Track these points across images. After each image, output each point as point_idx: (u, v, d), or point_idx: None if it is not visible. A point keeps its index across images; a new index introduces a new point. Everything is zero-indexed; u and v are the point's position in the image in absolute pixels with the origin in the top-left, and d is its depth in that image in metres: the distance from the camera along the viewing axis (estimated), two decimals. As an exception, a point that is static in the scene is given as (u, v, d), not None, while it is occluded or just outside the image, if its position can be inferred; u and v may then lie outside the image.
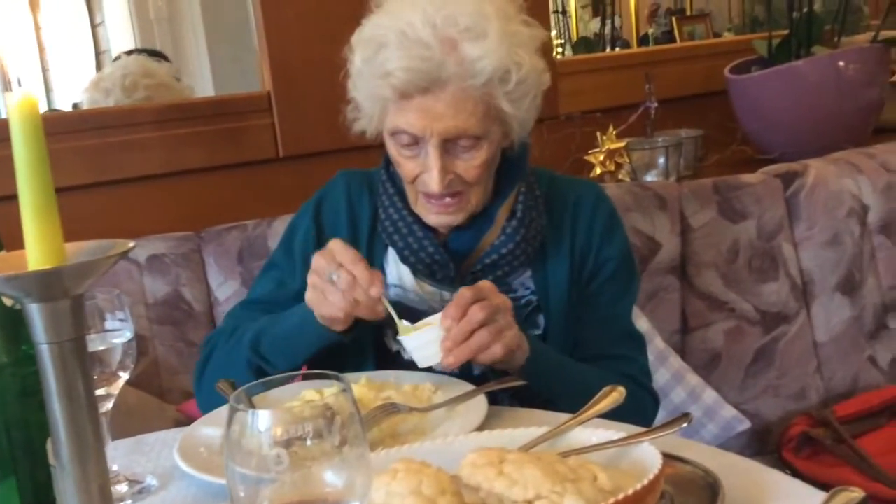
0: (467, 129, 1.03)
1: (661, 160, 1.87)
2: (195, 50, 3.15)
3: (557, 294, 1.15)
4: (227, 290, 1.55)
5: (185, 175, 1.70)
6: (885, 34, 2.02)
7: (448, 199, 1.08)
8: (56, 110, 3.12)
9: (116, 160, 1.64)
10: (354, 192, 1.21)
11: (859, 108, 1.93)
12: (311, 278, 1.02)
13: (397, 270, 1.17)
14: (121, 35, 3.58)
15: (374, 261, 1.18)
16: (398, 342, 1.04)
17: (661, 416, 1.31)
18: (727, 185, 1.62)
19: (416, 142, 1.05)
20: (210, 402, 1.06)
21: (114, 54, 3.72)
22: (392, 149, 1.09)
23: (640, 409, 1.15)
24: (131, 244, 0.59)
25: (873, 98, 1.96)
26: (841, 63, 1.91)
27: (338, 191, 1.22)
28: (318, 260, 1.01)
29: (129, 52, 2.73)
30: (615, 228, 1.19)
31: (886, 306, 1.64)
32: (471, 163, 1.06)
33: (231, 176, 1.74)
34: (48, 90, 4.79)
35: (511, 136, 1.10)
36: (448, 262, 1.12)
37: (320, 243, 1.17)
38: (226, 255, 1.56)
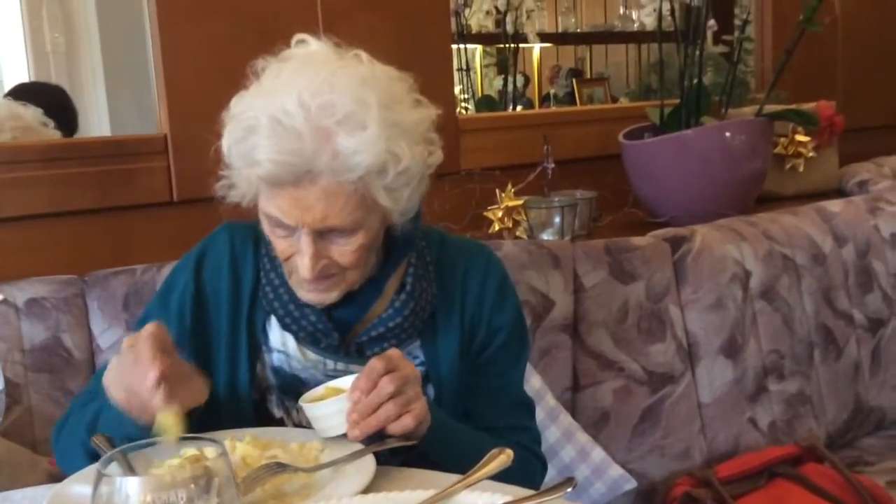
0: (339, 223, 0.99)
1: (557, 219, 1.91)
2: (92, 85, 3.07)
3: (448, 365, 1.13)
4: (110, 338, 1.48)
5: (72, 216, 1.64)
6: (768, 108, 2.13)
7: (321, 280, 1.04)
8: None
9: (-1, 197, 1.57)
10: (238, 248, 1.16)
11: (744, 178, 2.03)
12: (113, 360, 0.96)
13: (281, 335, 1.13)
14: (14, 66, 3.46)
15: (257, 323, 1.14)
16: (288, 409, 1.02)
17: (551, 475, 1.33)
18: (618, 246, 1.67)
19: (287, 226, 1.01)
20: (67, 464, 1.00)
21: (6, 86, 3.60)
22: (265, 227, 1.05)
23: (529, 474, 1.15)
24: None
25: (757, 168, 2.06)
26: (727, 134, 2.01)
27: (221, 246, 1.16)
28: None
29: (13, 90, 2.65)
30: (506, 296, 1.17)
31: (766, 369, 1.71)
32: (345, 248, 1.02)
33: (122, 219, 1.69)
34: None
35: (394, 223, 1.06)
36: (331, 331, 1.09)
37: (199, 303, 1.14)
38: (111, 301, 1.50)
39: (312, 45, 1.04)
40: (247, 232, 1.16)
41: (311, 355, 1.12)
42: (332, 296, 1.06)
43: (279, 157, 0.95)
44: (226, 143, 1.03)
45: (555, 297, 1.60)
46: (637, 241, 1.69)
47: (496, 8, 2.49)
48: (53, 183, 1.62)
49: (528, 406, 1.21)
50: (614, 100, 4.89)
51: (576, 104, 4.82)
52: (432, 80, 2.02)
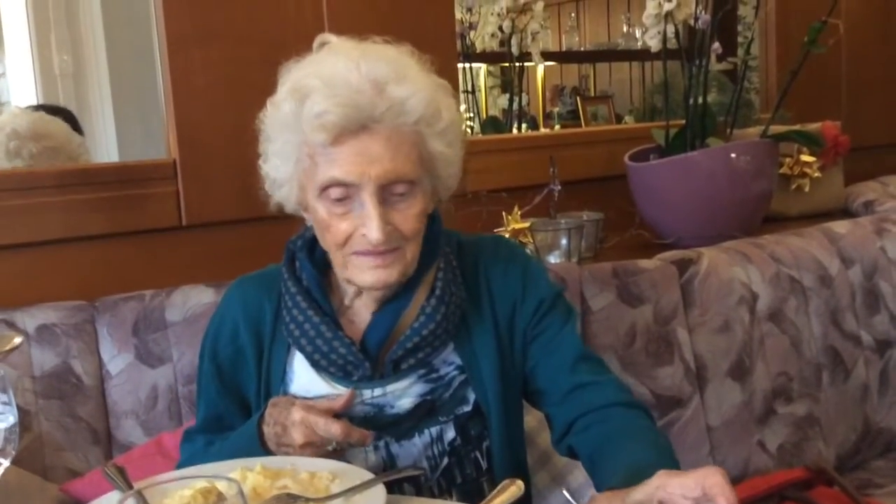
0: (404, 173, 1.01)
1: (564, 241, 1.91)
2: (100, 108, 3.09)
3: (488, 364, 1.12)
4: (119, 363, 1.49)
5: (84, 241, 1.65)
6: (774, 129, 2.14)
7: (386, 253, 1.03)
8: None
9: (11, 224, 1.57)
10: (252, 303, 1.17)
11: (750, 199, 2.03)
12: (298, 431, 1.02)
13: (308, 375, 1.13)
14: (23, 88, 3.48)
15: (275, 363, 1.14)
16: None
17: (560, 500, 1.32)
18: (625, 269, 1.67)
19: (348, 196, 1.01)
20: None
21: (14, 107, 3.62)
22: (321, 211, 1.04)
23: (647, 427, 1.08)
24: (18, 341, 0.57)
25: (763, 189, 2.06)
26: (733, 155, 2.01)
27: (233, 308, 1.18)
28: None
29: (34, 107, 2.66)
30: (533, 274, 1.16)
31: (775, 392, 1.71)
32: (407, 213, 1.03)
33: (132, 244, 1.70)
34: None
35: (438, 193, 1.09)
36: (362, 361, 1.08)
37: (221, 376, 1.18)
38: (120, 327, 1.51)
39: (333, 40, 1.09)
40: (258, 283, 1.18)
41: (342, 388, 1.11)
42: (394, 273, 1.04)
43: (341, 107, 0.98)
44: (275, 122, 1.05)
45: (562, 320, 1.60)
46: (644, 263, 1.70)
47: (501, 30, 2.50)
48: (65, 209, 1.63)
49: (593, 358, 1.15)
50: (618, 117, 4.91)
51: (580, 121, 4.85)
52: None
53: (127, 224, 1.70)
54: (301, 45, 1.84)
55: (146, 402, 1.47)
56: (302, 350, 1.11)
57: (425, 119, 1.01)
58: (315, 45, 1.09)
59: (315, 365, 1.11)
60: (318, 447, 1.02)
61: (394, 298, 1.10)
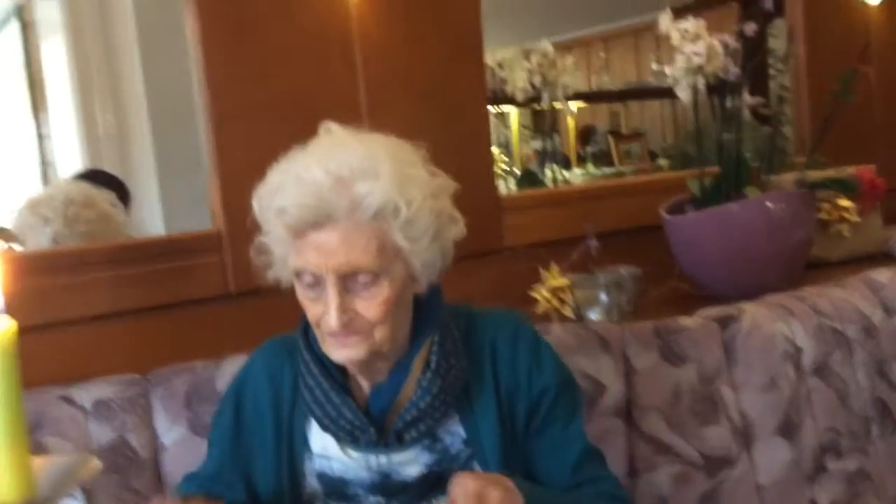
0: (361, 265, 1.05)
1: (603, 297, 1.92)
2: (143, 169, 3.17)
3: (489, 437, 1.15)
4: (173, 436, 1.52)
5: (134, 314, 1.69)
6: (810, 174, 2.14)
7: (349, 335, 1.08)
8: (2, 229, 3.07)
9: (64, 301, 1.63)
10: (275, 363, 1.23)
11: (789, 248, 2.03)
12: None
13: (321, 439, 1.17)
14: (68, 149, 3.58)
15: (297, 430, 1.18)
16: None
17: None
18: (667, 328, 1.67)
19: (317, 282, 1.07)
20: None
21: (59, 168, 3.72)
22: (298, 292, 1.11)
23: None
24: (95, 463, 0.60)
25: (802, 237, 2.06)
26: (769, 204, 2.01)
27: (258, 369, 1.24)
28: None
29: (80, 175, 2.73)
30: (541, 356, 1.19)
31: (824, 448, 1.69)
32: (370, 301, 1.07)
33: (181, 314, 1.74)
34: (-12, 199, 4.74)
35: (418, 278, 1.12)
36: (368, 426, 1.13)
37: (239, 433, 1.22)
38: (173, 399, 1.54)
39: (334, 128, 1.15)
40: (281, 346, 1.24)
41: (353, 454, 1.15)
42: (359, 351, 1.09)
43: (302, 201, 1.04)
44: (256, 208, 1.13)
45: (606, 381, 1.61)
46: (685, 321, 1.70)
47: (532, 85, 2.54)
48: (116, 283, 1.68)
49: (597, 454, 1.21)
50: (652, 155, 4.92)
51: (612, 161, 4.87)
52: (471, 162, 2.10)
53: (175, 295, 1.74)
54: (339, 119, 1.90)
55: (200, 474, 1.50)
56: (313, 414, 1.15)
57: (383, 214, 1.05)
58: (321, 130, 1.15)
59: (325, 429, 1.15)
60: None
61: (393, 370, 1.14)
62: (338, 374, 1.16)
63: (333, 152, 1.08)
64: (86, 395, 1.51)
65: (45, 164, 3.89)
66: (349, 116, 1.87)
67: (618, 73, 5.58)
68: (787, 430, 1.66)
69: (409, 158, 1.11)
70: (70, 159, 3.50)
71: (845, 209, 2.27)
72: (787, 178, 2.24)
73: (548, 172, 3.04)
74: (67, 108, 3.45)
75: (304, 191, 1.05)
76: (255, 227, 1.16)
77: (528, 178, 2.83)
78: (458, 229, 1.14)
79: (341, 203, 1.04)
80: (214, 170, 1.80)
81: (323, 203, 1.04)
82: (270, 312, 1.83)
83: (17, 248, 1.97)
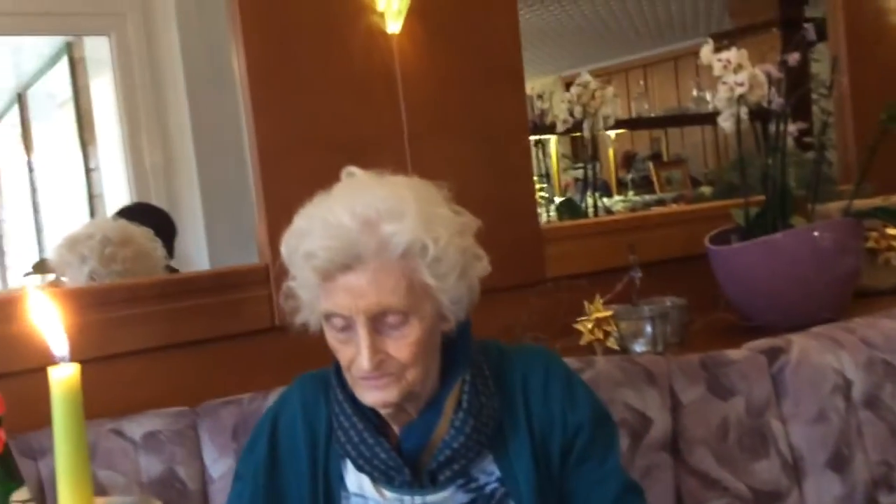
0: (391, 305, 1.05)
1: (649, 328, 1.91)
2: (189, 201, 3.24)
3: (523, 475, 1.14)
4: (221, 468, 1.54)
5: (183, 348, 1.73)
6: (857, 204, 2.12)
7: (381, 377, 1.08)
8: (44, 260, 3.15)
9: (117, 334, 1.66)
10: (310, 400, 1.22)
11: (837, 278, 2.00)
12: None
13: (357, 478, 1.17)
14: (115, 181, 3.66)
15: (332, 470, 1.18)
16: None
17: None
18: (714, 361, 1.66)
19: (348, 325, 1.07)
20: None
21: (107, 200, 3.81)
22: (328, 336, 1.11)
23: None
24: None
25: (850, 267, 2.03)
26: (816, 234, 1.99)
27: (294, 404, 1.23)
28: None
29: (127, 208, 2.79)
30: (575, 392, 1.18)
31: (876, 482, 1.66)
32: (401, 342, 1.07)
33: (228, 347, 1.77)
34: (39, 231, 4.86)
35: (447, 316, 1.12)
36: (402, 466, 1.12)
37: (274, 465, 1.21)
38: (221, 432, 1.56)
39: (357, 172, 1.15)
40: (317, 382, 1.23)
41: (388, 494, 1.15)
42: (391, 393, 1.08)
43: (329, 244, 1.04)
44: (284, 252, 1.12)
45: (652, 414, 1.59)
46: (733, 354, 1.69)
47: (572, 115, 2.55)
48: (166, 317, 1.71)
49: (636, 490, 1.19)
50: (694, 181, 4.89)
51: (653, 188, 4.85)
52: (513, 193, 2.11)
53: (223, 329, 1.78)
54: (383, 152, 1.93)
55: (248, 507, 1.51)
56: (347, 454, 1.15)
57: (410, 253, 1.06)
58: (343, 175, 1.16)
59: (360, 469, 1.15)
60: None
61: (423, 409, 1.14)
62: (371, 414, 1.16)
63: (358, 195, 1.08)
64: (136, 427, 1.54)
65: (93, 197, 3.99)
66: (392, 149, 1.94)
67: (657, 99, 5.57)
68: (838, 463, 1.63)
69: (433, 198, 1.12)
70: (117, 192, 3.58)
71: (893, 237, 2.24)
72: (834, 207, 2.21)
73: (588, 200, 3.03)
74: (115, 143, 3.54)
75: (331, 233, 1.05)
76: (284, 272, 1.16)
77: (569, 207, 2.83)
78: (482, 266, 1.14)
79: (369, 244, 1.05)
80: (261, 204, 1.84)
81: (351, 245, 1.05)
82: (315, 345, 1.86)
83: (62, 279, 2.01)
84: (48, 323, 0.65)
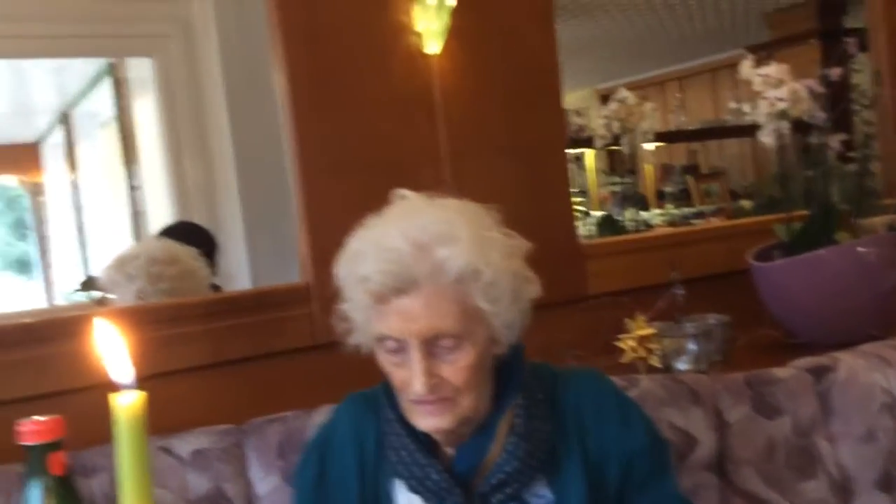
0: (444, 329, 1.06)
1: (692, 346, 1.90)
2: (230, 220, 3.27)
3: (577, 500, 1.13)
4: (267, 485, 1.56)
5: (228, 366, 1.75)
6: (902, 217, 2.09)
7: (436, 402, 1.08)
8: (92, 278, 3.21)
9: (163, 353, 1.69)
10: (360, 419, 1.23)
11: (883, 293, 1.97)
12: None
13: (407, 499, 1.17)
14: (157, 199, 3.71)
15: (382, 489, 1.18)
16: None
17: None
18: (759, 379, 1.64)
19: (401, 348, 1.08)
20: None
21: (150, 218, 3.87)
22: (381, 358, 1.12)
23: None
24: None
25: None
26: (861, 249, 1.97)
27: (344, 424, 1.25)
28: None
29: (170, 227, 2.84)
30: (629, 418, 1.18)
31: (926, 503, 1.63)
32: (456, 365, 1.07)
33: (272, 365, 1.79)
34: (83, 248, 4.95)
35: (499, 340, 1.12)
36: (454, 487, 1.12)
37: (323, 484, 1.22)
38: (267, 450, 1.58)
39: (409, 195, 1.16)
40: (367, 401, 1.24)
41: None
42: (446, 420, 1.09)
43: (384, 267, 1.05)
44: (340, 275, 1.14)
45: (697, 434, 1.58)
46: (778, 373, 1.67)
47: (611, 131, 2.55)
48: (211, 336, 1.74)
49: None
50: (733, 194, 4.85)
51: (691, 201, 4.82)
52: (552, 210, 2.11)
53: (267, 346, 1.79)
54: (422, 172, 1.94)
55: (295, 525, 1.52)
56: (399, 475, 1.15)
57: (464, 277, 1.06)
58: (395, 197, 1.17)
59: (413, 490, 1.15)
60: None
61: (476, 431, 1.14)
62: (422, 435, 1.16)
63: (411, 218, 1.10)
64: (184, 445, 1.56)
65: (136, 215, 4.05)
66: (431, 167, 1.95)
67: (694, 112, 5.53)
68: (888, 483, 1.61)
69: (485, 221, 1.12)
70: (160, 210, 3.63)
71: (941, 252, 2.19)
72: (879, 222, 2.18)
73: (626, 214, 3.03)
74: (158, 161, 3.60)
75: (385, 257, 1.06)
76: (337, 294, 1.18)
77: (608, 224, 2.82)
78: (534, 289, 1.14)
79: (423, 268, 1.05)
80: (303, 223, 1.86)
81: (405, 269, 1.05)
82: (355, 363, 1.88)
83: (110, 296, 2.06)
84: (113, 349, 0.66)
